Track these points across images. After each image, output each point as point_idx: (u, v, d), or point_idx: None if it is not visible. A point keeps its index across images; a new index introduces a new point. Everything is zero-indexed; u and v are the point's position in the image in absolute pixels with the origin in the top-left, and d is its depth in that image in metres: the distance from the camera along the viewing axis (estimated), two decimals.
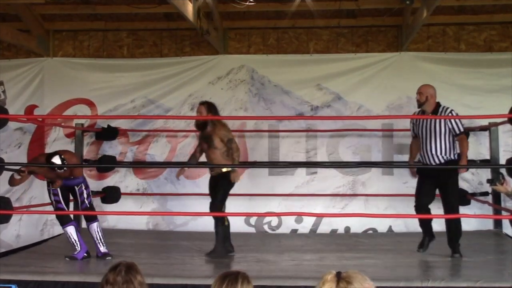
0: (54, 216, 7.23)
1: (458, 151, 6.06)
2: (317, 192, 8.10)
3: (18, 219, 8.19)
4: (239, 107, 8.40)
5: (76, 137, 8.12)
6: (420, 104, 6.15)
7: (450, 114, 6.00)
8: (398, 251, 6.52)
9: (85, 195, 6.18)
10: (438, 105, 6.09)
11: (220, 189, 6.24)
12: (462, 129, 6.02)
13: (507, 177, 6.67)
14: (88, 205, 6.20)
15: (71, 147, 7.82)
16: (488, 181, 6.50)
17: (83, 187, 6.20)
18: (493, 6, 8.02)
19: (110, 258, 5.95)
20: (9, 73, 8.57)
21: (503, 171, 7.09)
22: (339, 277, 2.45)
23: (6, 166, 5.86)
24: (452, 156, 6.01)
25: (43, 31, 8.58)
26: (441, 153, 5.99)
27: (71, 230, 5.99)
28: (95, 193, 7.58)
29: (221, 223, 6.20)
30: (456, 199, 6.14)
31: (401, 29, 8.29)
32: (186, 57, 8.61)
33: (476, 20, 8.27)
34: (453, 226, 6.03)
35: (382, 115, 7.96)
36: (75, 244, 5.97)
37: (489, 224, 7.70)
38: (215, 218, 6.22)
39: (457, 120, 5.99)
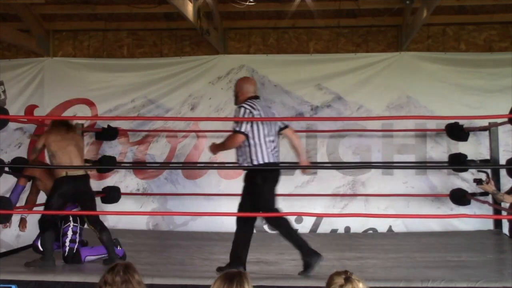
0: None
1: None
2: (317, 192, 8.09)
3: (18, 219, 8.17)
4: None
5: None
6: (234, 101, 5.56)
7: (236, 112, 5.33)
8: (398, 251, 6.51)
9: (68, 237, 5.83)
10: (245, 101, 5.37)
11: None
12: (235, 128, 5.27)
13: (508, 178, 6.71)
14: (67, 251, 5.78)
15: None
16: (475, 180, 6.51)
17: (70, 225, 5.85)
18: (493, 6, 8.02)
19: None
20: (9, 73, 8.58)
21: (503, 171, 7.11)
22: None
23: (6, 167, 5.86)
24: (252, 162, 5.26)
25: (43, 31, 8.59)
26: (238, 157, 5.39)
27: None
28: (95, 193, 7.56)
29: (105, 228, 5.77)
30: (246, 207, 5.31)
31: (401, 29, 8.29)
32: (186, 57, 8.61)
33: (476, 20, 8.26)
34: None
35: (382, 115, 7.97)
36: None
37: (489, 224, 7.70)
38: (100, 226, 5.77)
39: (240, 117, 5.26)
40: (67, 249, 5.79)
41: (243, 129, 5.25)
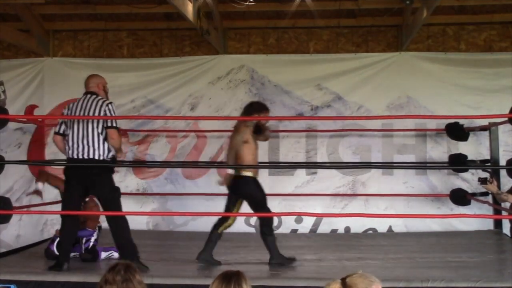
0: (54, 216, 7.22)
1: None
2: (317, 192, 8.09)
3: (18, 219, 8.18)
4: (239, 107, 8.37)
5: None
6: None
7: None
8: (398, 251, 6.52)
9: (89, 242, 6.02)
10: None
11: None
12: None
13: (508, 178, 6.70)
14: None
15: None
16: (479, 179, 6.51)
17: (91, 240, 6.03)
18: (493, 6, 8.02)
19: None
20: (9, 73, 8.57)
21: (503, 171, 7.10)
22: (344, 285, 2.47)
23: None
24: None
25: (43, 31, 8.58)
26: None
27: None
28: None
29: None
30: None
31: (401, 29, 8.29)
32: (186, 57, 8.61)
33: (476, 20, 8.26)
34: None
35: (382, 115, 7.96)
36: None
37: (489, 224, 7.70)
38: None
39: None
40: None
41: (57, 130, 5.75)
